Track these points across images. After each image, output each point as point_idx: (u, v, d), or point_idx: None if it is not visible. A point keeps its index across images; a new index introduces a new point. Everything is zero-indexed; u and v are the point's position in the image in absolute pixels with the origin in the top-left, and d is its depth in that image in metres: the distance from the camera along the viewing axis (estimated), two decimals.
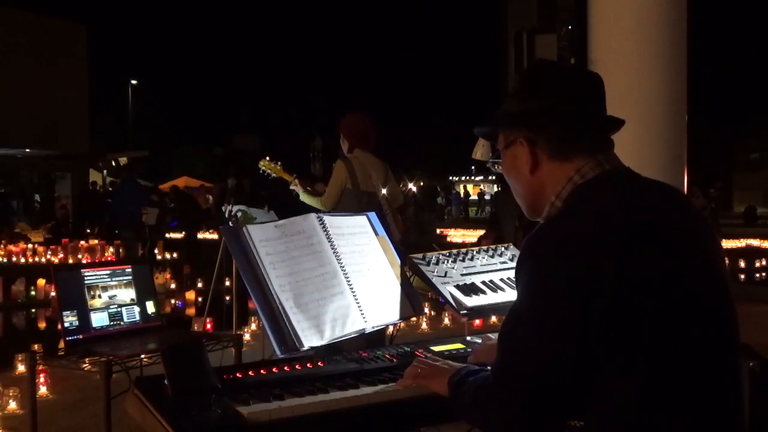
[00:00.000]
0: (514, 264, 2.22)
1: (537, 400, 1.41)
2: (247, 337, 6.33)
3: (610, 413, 1.39)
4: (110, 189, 19.65)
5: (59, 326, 2.76)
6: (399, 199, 5.13)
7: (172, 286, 10.04)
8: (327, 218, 2.39)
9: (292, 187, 5.11)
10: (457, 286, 2.43)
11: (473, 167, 45.87)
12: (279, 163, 5.32)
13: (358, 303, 2.26)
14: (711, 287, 1.48)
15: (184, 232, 15.18)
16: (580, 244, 1.40)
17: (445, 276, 2.46)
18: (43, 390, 4.74)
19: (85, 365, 2.72)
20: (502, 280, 2.54)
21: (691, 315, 1.42)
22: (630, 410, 1.38)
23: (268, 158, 5.39)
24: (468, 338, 2.26)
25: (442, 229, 22.09)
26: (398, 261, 2.49)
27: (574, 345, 1.37)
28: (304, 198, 5.04)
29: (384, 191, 4.87)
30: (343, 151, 4.98)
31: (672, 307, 1.40)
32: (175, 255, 12.85)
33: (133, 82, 37.55)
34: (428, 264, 2.49)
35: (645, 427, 1.37)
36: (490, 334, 2.19)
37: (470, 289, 2.44)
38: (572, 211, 1.51)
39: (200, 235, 15.71)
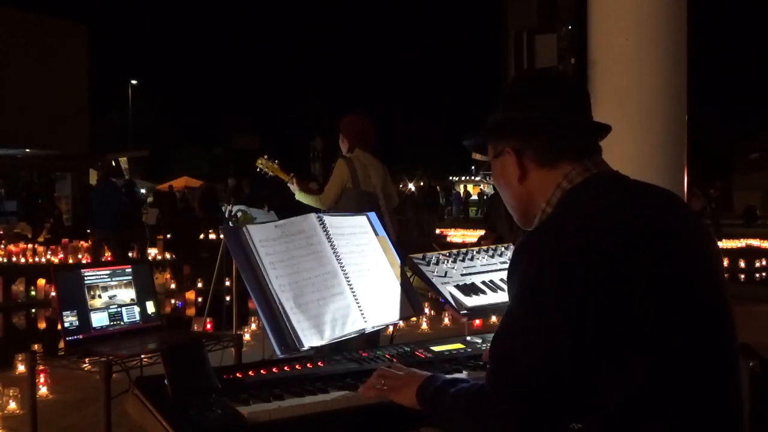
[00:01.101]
0: None
1: (535, 403, 1.40)
2: (247, 337, 6.32)
3: (609, 415, 1.39)
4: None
5: (59, 326, 2.76)
6: (395, 200, 5.15)
7: (172, 286, 10.04)
8: (327, 218, 2.39)
9: (288, 184, 5.10)
10: (457, 286, 2.43)
11: (473, 167, 45.95)
12: (276, 161, 5.31)
13: (358, 303, 2.26)
14: (705, 288, 1.48)
15: (169, 234, 15.25)
16: (572, 248, 1.40)
17: (445, 276, 2.46)
18: (43, 390, 4.74)
19: (85, 365, 2.72)
20: (502, 280, 2.54)
21: (686, 316, 1.42)
22: (628, 412, 1.37)
23: (266, 156, 5.38)
24: (468, 338, 2.26)
25: (442, 229, 22.08)
26: (398, 261, 2.49)
27: (570, 347, 1.37)
28: (300, 197, 5.04)
29: (381, 192, 4.89)
30: (343, 151, 4.99)
31: (666, 308, 1.40)
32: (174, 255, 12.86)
33: (133, 82, 37.60)
34: (428, 264, 2.49)
35: (643, 429, 1.37)
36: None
37: (470, 289, 2.44)
38: (562, 215, 1.51)
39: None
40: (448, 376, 1.69)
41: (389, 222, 4.85)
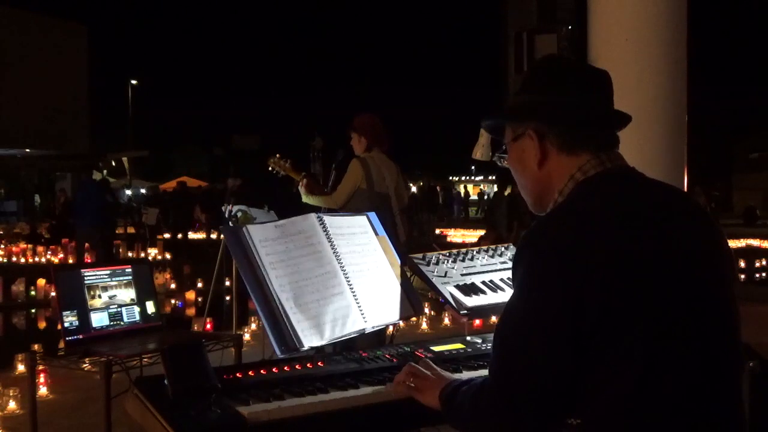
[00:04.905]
0: None
1: (535, 400, 1.40)
2: (247, 337, 6.33)
3: (607, 411, 1.39)
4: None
5: (59, 326, 2.77)
6: (405, 200, 5.14)
7: (172, 286, 10.04)
8: (327, 218, 2.39)
9: (299, 187, 5.07)
10: (457, 286, 2.43)
11: (473, 167, 46.01)
12: (288, 161, 5.28)
13: (358, 303, 2.25)
14: (708, 286, 1.47)
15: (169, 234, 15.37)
16: (572, 243, 1.40)
17: (445, 276, 2.46)
18: (43, 390, 4.74)
19: (85, 365, 2.72)
20: (502, 280, 2.54)
21: (686, 313, 1.42)
22: (626, 407, 1.38)
23: (278, 155, 5.35)
24: (468, 338, 2.26)
25: (442, 229, 22.08)
26: (398, 261, 2.49)
27: (570, 341, 1.38)
28: (307, 199, 5.01)
29: (394, 192, 4.89)
30: (357, 151, 4.96)
31: (666, 305, 1.40)
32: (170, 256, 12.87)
33: (133, 82, 37.54)
34: (428, 264, 2.49)
35: (641, 425, 1.37)
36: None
37: (470, 289, 2.43)
38: (568, 208, 1.52)
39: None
40: (468, 377, 1.69)
41: (400, 222, 4.86)
